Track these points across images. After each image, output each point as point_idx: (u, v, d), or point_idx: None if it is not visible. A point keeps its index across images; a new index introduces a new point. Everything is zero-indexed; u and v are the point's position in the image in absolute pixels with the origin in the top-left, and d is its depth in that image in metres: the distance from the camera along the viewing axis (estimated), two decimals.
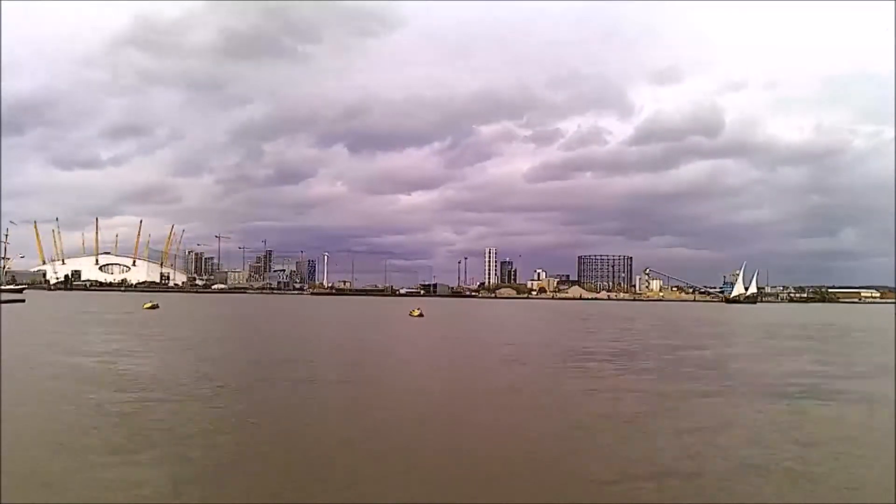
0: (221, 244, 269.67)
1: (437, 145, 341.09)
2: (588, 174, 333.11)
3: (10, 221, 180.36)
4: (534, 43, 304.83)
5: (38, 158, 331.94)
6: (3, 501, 7.99)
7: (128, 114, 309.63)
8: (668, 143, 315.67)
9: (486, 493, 8.81)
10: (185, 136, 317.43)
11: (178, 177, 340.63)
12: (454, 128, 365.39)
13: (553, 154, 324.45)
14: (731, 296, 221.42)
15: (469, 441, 11.99)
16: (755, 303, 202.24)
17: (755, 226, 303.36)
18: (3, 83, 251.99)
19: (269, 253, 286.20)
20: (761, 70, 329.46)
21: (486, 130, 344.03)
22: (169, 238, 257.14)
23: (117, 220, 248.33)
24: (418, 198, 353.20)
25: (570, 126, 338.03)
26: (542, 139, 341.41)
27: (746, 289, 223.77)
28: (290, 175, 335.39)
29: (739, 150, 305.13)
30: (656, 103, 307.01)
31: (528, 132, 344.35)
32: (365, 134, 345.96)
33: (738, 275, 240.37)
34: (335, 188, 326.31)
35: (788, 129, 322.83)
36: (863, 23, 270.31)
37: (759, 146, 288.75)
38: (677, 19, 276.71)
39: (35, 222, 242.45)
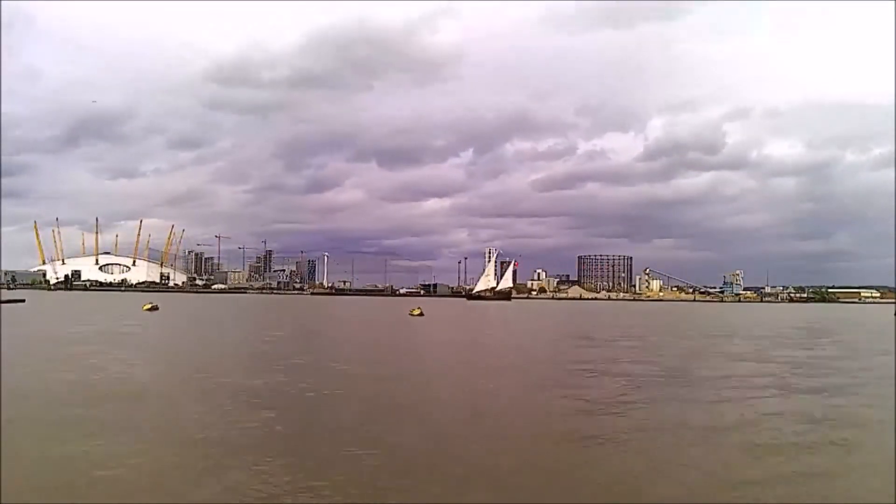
0: (221, 245, 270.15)
1: (458, 160, 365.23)
2: (595, 185, 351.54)
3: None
4: (567, 76, 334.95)
5: (86, 168, 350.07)
6: (3, 501, 7.90)
7: (192, 131, 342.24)
8: (671, 157, 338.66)
9: None
10: (237, 150, 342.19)
11: (219, 184, 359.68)
12: (478, 144, 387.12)
13: (564, 167, 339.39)
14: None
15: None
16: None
17: (752, 230, 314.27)
18: (79, 97, 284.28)
19: (269, 253, 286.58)
20: (765, 98, 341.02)
21: (511, 148, 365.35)
22: (169, 238, 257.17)
23: (147, 222, 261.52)
24: (433, 204, 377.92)
25: (588, 146, 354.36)
26: (557, 155, 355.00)
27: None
28: (319, 185, 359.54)
29: (736, 164, 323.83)
30: (670, 127, 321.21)
31: (545, 148, 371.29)
32: (396, 150, 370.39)
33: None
34: (357, 195, 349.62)
35: (782, 148, 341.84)
36: (860, 55, 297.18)
37: (754, 161, 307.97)
38: (693, 53, 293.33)
39: (35, 223, 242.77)
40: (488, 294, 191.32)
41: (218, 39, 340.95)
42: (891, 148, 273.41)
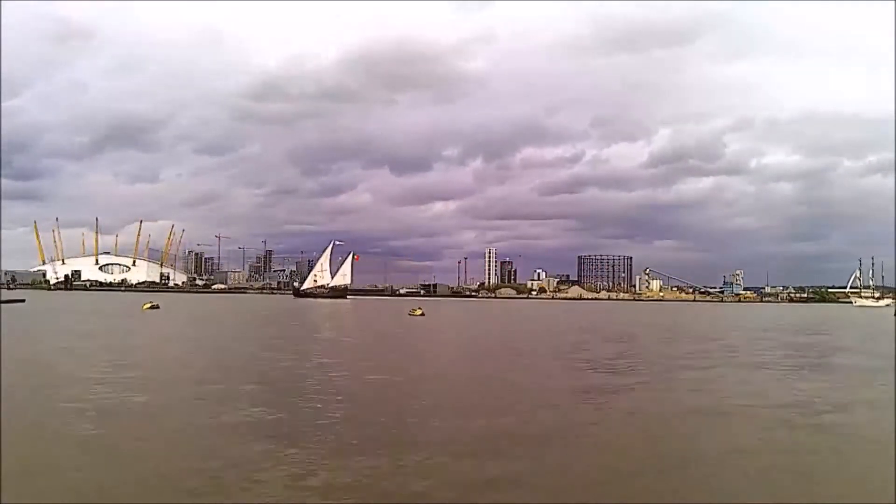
0: (222, 245, 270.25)
1: (467, 167, 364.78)
2: (599, 190, 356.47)
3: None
4: (581, 92, 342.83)
5: (108, 173, 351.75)
6: (3, 501, 7.82)
7: (218, 139, 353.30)
8: (673, 165, 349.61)
9: None
10: (258, 157, 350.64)
11: (236, 188, 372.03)
12: (487, 152, 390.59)
13: (569, 173, 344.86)
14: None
15: None
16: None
17: (751, 231, 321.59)
18: (115, 107, 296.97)
19: (269, 253, 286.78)
20: (765, 110, 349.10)
21: (519, 156, 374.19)
22: (169, 238, 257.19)
23: (153, 224, 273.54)
24: (439, 207, 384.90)
25: (596, 154, 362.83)
26: (565, 162, 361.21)
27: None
28: (332, 189, 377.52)
29: (735, 171, 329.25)
30: (676, 136, 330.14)
31: (553, 157, 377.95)
32: (408, 158, 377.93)
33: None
34: (366, 199, 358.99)
35: (780, 156, 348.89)
36: (858, 72, 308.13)
37: (753, 168, 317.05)
38: (702, 74, 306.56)
39: (35, 223, 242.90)
40: (322, 291, 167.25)
41: (260, 55, 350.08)
42: (885, 155, 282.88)
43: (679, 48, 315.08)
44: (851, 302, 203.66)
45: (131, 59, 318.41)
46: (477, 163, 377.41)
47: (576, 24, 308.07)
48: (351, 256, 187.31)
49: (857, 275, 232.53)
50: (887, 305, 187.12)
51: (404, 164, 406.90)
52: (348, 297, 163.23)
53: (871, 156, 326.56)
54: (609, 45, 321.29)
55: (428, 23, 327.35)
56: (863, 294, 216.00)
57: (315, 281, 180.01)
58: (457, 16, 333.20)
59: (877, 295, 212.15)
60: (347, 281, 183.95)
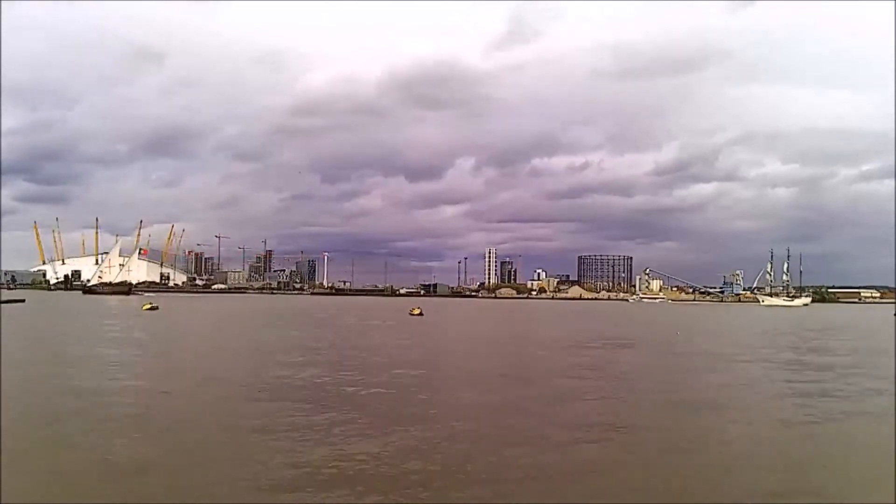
0: (221, 245, 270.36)
1: (479, 175, 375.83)
2: (603, 196, 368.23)
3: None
4: (596, 110, 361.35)
5: (138, 179, 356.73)
6: (3, 501, 7.96)
7: (253, 148, 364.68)
8: (675, 174, 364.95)
9: None
10: (285, 164, 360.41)
11: (258, 192, 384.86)
12: (500, 161, 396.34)
13: (575, 179, 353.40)
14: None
15: None
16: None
17: (750, 232, 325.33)
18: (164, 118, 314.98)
19: (269, 253, 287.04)
20: (767, 124, 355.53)
21: (529, 165, 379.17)
22: (169, 238, 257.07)
23: (161, 226, 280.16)
24: (447, 210, 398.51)
25: (604, 163, 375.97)
26: (573, 170, 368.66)
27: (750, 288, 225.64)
28: (348, 194, 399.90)
29: (735, 178, 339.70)
30: (682, 149, 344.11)
31: (563, 166, 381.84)
32: (424, 167, 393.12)
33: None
34: (378, 202, 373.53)
35: (778, 165, 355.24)
36: (856, 86, 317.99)
37: (752, 177, 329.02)
38: (712, 96, 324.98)
39: (35, 223, 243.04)
40: (105, 288, 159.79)
41: (311, 75, 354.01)
42: (878, 164, 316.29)
43: (689, 75, 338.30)
44: (759, 301, 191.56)
45: (191, 78, 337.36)
46: (489, 171, 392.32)
47: (599, 56, 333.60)
48: (137, 252, 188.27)
49: (768, 269, 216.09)
50: (805, 305, 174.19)
51: (418, 171, 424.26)
52: (133, 293, 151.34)
53: (866, 165, 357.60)
54: (627, 73, 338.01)
55: (466, 52, 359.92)
56: (773, 292, 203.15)
57: (100, 277, 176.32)
58: (492, 47, 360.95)
59: (791, 293, 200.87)
60: (138, 277, 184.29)
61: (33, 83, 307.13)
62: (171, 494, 8.54)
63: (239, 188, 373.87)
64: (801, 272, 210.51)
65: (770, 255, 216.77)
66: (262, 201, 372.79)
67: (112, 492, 8.57)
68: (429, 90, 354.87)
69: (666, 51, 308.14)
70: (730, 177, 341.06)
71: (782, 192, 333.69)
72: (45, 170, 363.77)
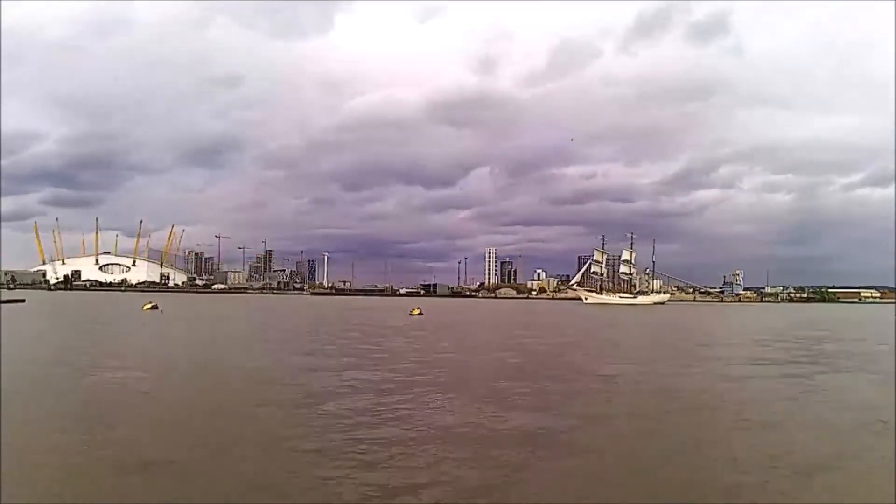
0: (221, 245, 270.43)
1: (490, 182, 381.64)
2: (606, 201, 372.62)
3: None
4: (610, 126, 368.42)
5: (167, 185, 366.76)
6: (3, 502, 7.97)
7: (285, 159, 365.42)
8: (676, 183, 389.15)
9: None
10: (315, 172, 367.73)
11: (281, 196, 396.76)
12: (512, 168, 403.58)
13: (582, 185, 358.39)
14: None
15: None
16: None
17: (749, 234, 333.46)
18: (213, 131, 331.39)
19: (269, 253, 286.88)
20: (768, 137, 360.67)
21: (541, 173, 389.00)
22: (169, 238, 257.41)
23: (196, 227, 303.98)
24: (454, 214, 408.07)
25: (612, 172, 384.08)
26: (582, 177, 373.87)
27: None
28: (365, 199, 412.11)
29: (734, 185, 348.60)
30: (688, 162, 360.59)
31: (573, 174, 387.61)
32: (440, 175, 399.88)
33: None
34: (392, 207, 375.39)
35: (776, 172, 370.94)
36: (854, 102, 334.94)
37: (751, 185, 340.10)
38: (720, 118, 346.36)
39: (35, 222, 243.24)
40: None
41: (359, 98, 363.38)
42: (870, 173, 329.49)
43: (698, 102, 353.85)
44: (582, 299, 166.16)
45: (254, 99, 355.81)
46: (502, 179, 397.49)
47: (623, 89, 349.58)
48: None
49: (598, 258, 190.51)
50: (662, 303, 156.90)
51: (435, 180, 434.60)
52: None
53: (859, 174, 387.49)
54: (647, 101, 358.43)
55: (504, 82, 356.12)
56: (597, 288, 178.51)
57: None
58: (530, 80, 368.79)
59: (641, 289, 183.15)
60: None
61: (109, 99, 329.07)
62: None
63: (262, 194, 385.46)
64: (653, 262, 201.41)
65: (601, 240, 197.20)
66: (284, 206, 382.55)
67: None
68: (462, 113, 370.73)
69: (681, 81, 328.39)
70: (731, 184, 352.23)
71: (781, 198, 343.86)
72: (82, 177, 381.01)
